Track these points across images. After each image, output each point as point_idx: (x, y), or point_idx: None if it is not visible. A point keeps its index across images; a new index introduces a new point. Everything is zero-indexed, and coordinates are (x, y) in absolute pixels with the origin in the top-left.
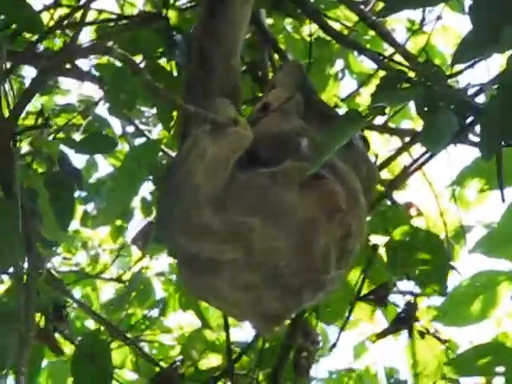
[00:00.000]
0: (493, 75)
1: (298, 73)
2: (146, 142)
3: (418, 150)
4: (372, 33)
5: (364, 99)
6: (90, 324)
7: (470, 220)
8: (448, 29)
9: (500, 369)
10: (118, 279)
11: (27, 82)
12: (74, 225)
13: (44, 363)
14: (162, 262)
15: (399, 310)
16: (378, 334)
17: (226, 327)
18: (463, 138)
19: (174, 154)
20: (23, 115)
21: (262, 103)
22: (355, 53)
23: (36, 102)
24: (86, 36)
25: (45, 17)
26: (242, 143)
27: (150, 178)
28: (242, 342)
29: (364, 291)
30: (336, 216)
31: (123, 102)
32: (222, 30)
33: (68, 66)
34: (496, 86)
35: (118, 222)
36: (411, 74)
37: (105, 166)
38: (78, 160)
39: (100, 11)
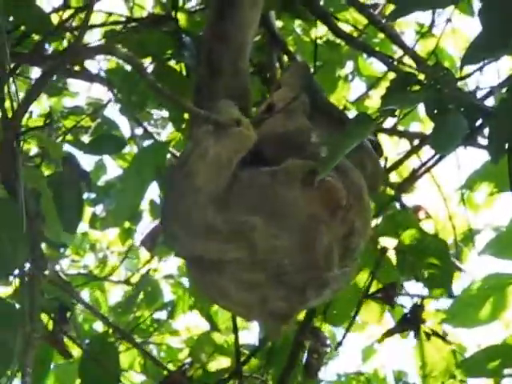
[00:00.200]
0: (502, 78)
1: (304, 73)
2: (154, 144)
3: (426, 152)
4: (381, 35)
5: (373, 102)
6: (98, 326)
7: (478, 223)
8: (457, 31)
9: (509, 371)
10: (127, 281)
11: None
12: (83, 227)
13: (52, 366)
14: (171, 264)
15: (406, 311)
16: (384, 334)
17: (235, 330)
18: (472, 141)
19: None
20: (31, 117)
21: (267, 104)
22: (364, 55)
23: (44, 104)
24: (95, 38)
25: (54, 19)
26: (245, 144)
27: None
28: (251, 344)
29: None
30: (338, 213)
31: (133, 103)
32: (231, 33)
33: (77, 68)
34: (505, 89)
35: (127, 224)
36: (421, 77)
37: (114, 168)
38: (87, 162)
39: (109, 14)
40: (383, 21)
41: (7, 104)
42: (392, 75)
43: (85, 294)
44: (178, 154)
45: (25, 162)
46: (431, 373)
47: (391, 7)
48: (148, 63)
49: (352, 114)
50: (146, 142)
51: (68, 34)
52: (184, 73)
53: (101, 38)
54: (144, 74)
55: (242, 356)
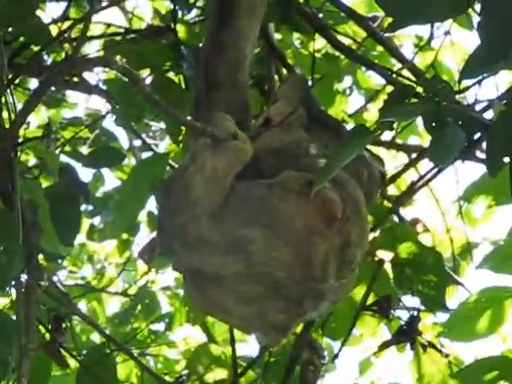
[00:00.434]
0: (501, 91)
1: (302, 85)
2: (153, 156)
3: (425, 166)
4: (380, 48)
5: (372, 115)
6: (96, 338)
7: (476, 237)
8: (456, 45)
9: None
10: (124, 293)
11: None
12: (81, 238)
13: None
14: (168, 276)
15: (402, 323)
16: (381, 346)
17: (232, 342)
18: (470, 155)
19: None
20: (30, 128)
21: (264, 117)
22: (363, 68)
23: (43, 115)
24: (95, 49)
25: (53, 30)
26: (242, 158)
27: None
28: (248, 356)
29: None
30: (334, 225)
31: (131, 115)
32: (229, 44)
33: (75, 79)
34: (504, 103)
35: (125, 236)
36: (419, 90)
37: (112, 179)
38: (85, 174)
39: (108, 25)
40: (382, 33)
41: (5, 115)
42: (391, 88)
43: (82, 305)
44: (176, 166)
45: (23, 173)
46: None
47: (390, 20)
48: (147, 75)
49: (350, 127)
50: (145, 154)
51: (66, 45)
52: (183, 84)
53: (99, 49)
54: (141, 87)
55: (239, 368)
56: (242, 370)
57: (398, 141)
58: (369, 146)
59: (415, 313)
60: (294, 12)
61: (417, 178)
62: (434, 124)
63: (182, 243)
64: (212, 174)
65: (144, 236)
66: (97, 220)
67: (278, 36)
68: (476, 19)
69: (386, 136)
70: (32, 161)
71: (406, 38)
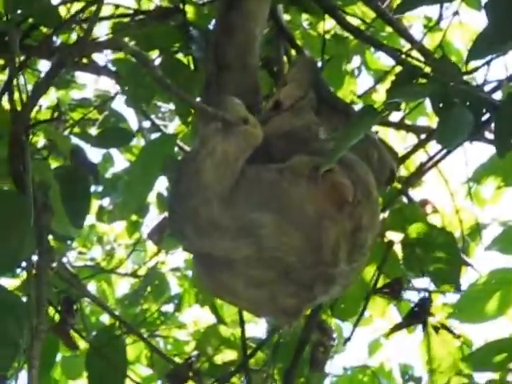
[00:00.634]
0: (510, 72)
1: (311, 68)
2: (161, 137)
3: (434, 147)
4: (389, 29)
5: (380, 96)
6: (105, 319)
7: (485, 218)
8: (465, 25)
9: None
10: (134, 274)
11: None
12: (90, 219)
13: (58, 357)
14: (178, 257)
15: (413, 305)
16: (392, 328)
17: (241, 323)
18: (479, 136)
19: (189, 149)
20: (39, 109)
21: (274, 100)
22: (372, 49)
23: (52, 97)
24: (103, 30)
25: (62, 11)
26: (252, 142)
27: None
28: (257, 337)
29: (379, 287)
30: (345, 209)
31: (140, 96)
32: (239, 26)
33: (84, 60)
34: None
35: (134, 217)
36: (427, 70)
37: (121, 160)
38: (94, 155)
39: (117, 6)
40: (391, 14)
41: (16, 96)
42: (399, 69)
43: (92, 287)
44: (185, 147)
45: (33, 154)
46: (438, 367)
47: (399, 1)
48: (156, 56)
49: (359, 107)
50: (154, 135)
51: (76, 27)
52: (192, 66)
53: (108, 30)
54: (152, 70)
55: (249, 349)
56: (252, 351)
57: (407, 122)
58: (378, 127)
59: (426, 294)
60: None
61: (426, 159)
62: (441, 105)
63: (193, 227)
64: (222, 158)
65: (153, 217)
66: (106, 201)
67: (286, 17)
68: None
69: (395, 117)
70: (41, 142)
71: (415, 20)
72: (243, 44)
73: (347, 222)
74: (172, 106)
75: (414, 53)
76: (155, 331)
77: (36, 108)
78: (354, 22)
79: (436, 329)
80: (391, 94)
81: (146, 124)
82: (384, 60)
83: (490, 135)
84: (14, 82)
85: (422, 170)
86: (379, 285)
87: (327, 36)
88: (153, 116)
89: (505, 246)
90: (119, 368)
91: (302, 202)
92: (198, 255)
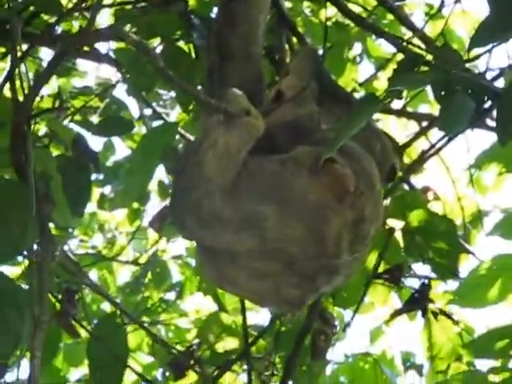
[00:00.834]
0: None
1: (313, 58)
2: (163, 125)
3: (435, 134)
4: (390, 17)
5: (382, 83)
6: (107, 307)
7: (487, 205)
8: (467, 13)
9: None
10: (135, 262)
11: (45, 64)
12: (91, 207)
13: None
14: (179, 244)
15: (413, 291)
16: (392, 314)
17: (243, 311)
18: (480, 123)
19: (191, 137)
20: (40, 97)
21: (276, 91)
22: (373, 37)
23: (54, 85)
24: (105, 18)
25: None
26: (254, 133)
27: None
28: (259, 325)
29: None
30: (347, 200)
31: (141, 84)
32: (242, 15)
33: (86, 48)
34: None
35: (135, 205)
36: (429, 58)
37: (122, 148)
38: (96, 143)
39: None
40: (392, 2)
41: (17, 84)
42: (401, 57)
43: (93, 274)
44: (186, 135)
45: (34, 142)
46: (438, 353)
47: None
48: (157, 44)
49: (360, 95)
50: (155, 123)
51: (77, 15)
52: (193, 54)
53: (110, 17)
54: (153, 60)
55: (250, 337)
56: (253, 339)
57: (409, 109)
58: (379, 115)
59: (426, 281)
60: None
61: (427, 146)
62: (443, 93)
63: (196, 219)
64: (225, 150)
65: (154, 205)
66: (107, 189)
67: (288, 4)
68: None
69: (397, 104)
70: (43, 129)
71: (417, 8)
72: (247, 33)
73: (349, 212)
74: (173, 94)
75: (416, 40)
76: (157, 319)
77: (38, 97)
78: (356, 9)
79: (435, 315)
80: (393, 82)
81: (148, 112)
82: (385, 47)
83: (491, 122)
84: (16, 70)
85: (423, 158)
86: (380, 271)
87: (329, 23)
88: (154, 104)
89: (506, 231)
90: (120, 356)
91: (304, 193)
92: (201, 247)
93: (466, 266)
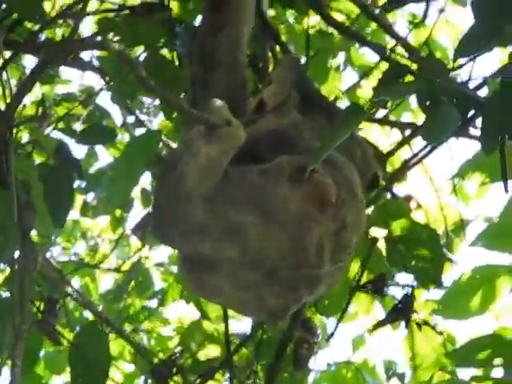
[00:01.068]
0: (496, 68)
1: (295, 67)
2: (146, 132)
3: (418, 143)
4: (374, 26)
5: (365, 92)
6: (89, 314)
7: (469, 214)
8: (450, 22)
9: (498, 361)
10: (117, 269)
11: (28, 72)
12: (74, 215)
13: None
14: (162, 252)
15: (397, 301)
16: (376, 324)
17: (225, 318)
18: (464, 132)
19: (174, 145)
20: (23, 105)
21: (258, 101)
22: (357, 45)
23: (37, 92)
24: (88, 26)
25: (46, 6)
26: (234, 144)
27: (149, 168)
28: (241, 333)
29: (362, 283)
30: (328, 209)
31: (125, 92)
32: (225, 26)
33: (69, 56)
34: (498, 80)
35: (118, 212)
36: (413, 67)
37: (105, 156)
38: (79, 150)
39: (102, 1)
40: (376, 11)
41: (0, 91)
42: (384, 65)
43: (75, 282)
44: (169, 143)
45: (16, 149)
46: (421, 363)
47: None
48: (141, 52)
49: (344, 103)
50: (139, 130)
51: (61, 23)
52: (177, 62)
53: (94, 25)
54: (135, 69)
55: (232, 345)
56: (235, 347)
57: (392, 118)
58: (362, 124)
59: (410, 291)
60: None
61: (410, 155)
62: (427, 102)
63: (177, 229)
64: (206, 160)
65: (137, 212)
66: (90, 196)
67: (271, 13)
68: None
69: (380, 113)
70: (25, 136)
71: (400, 17)
72: (231, 42)
73: (331, 222)
74: (156, 102)
75: (399, 49)
76: (139, 326)
77: (21, 105)
78: (339, 17)
79: (418, 325)
80: (378, 92)
81: (131, 119)
82: (369, 56)
83: (474, 131)
84: None
85: (406, 166)
86: (363, 281)
87: (312, 31)
88: (137, 111)
89: (489, 241)
90: (102, 364)
91: (286, 203)
92: (183, 256)
93: (449, 275)
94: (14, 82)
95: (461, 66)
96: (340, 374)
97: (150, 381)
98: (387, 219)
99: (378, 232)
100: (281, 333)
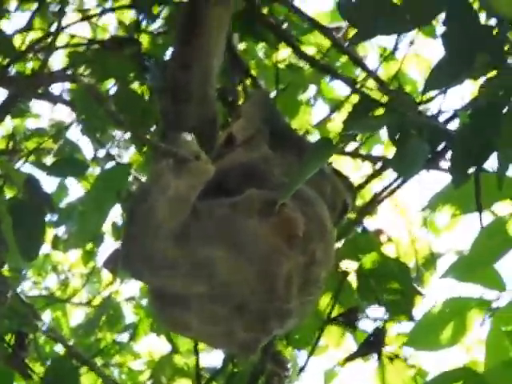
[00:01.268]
0: (467, 100)
1: (264, 102)
2: (115, 167)
3: (389, 176)
4: (344, 59)
5: (336, 125)
6: (60, 348)
7: (441, 247)
8: (420, 55)
9: None
10: (88, 304)
11: None
12: (45, 249)
13: None
14: (132, 286)
15: (368, 335)
16: (347, 358)
17: (196, 352)
18: (435, 165)
19: (144, 179)
20: None
21: (227, 135)
22: (327, 79)
23: (7, 125)
24: (59, 59)
25: (17, 40)
26: (203, 178)
27: (120, 202)
28: (212, 367)
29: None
30: (296, 243)
31: (95, 126)
32: (195, 61)
33: (40, 90)
34: (468, 113)
35: (89, 246)
36: (383, 100)
37: (76, 189)
38: (49, 183)
39: (72, 35)
40: (346, 44)
41: None
42: (355, 98)
43: (46, 316)
44: (140, 177)
45: None
46: None
47: (354, 30)
48: (111, 85)
49: (314, 137)
50: (109, 164)
51: (31, 56)
52: (147, 96)
53: (64, 59)
54: (104, 104)
55: (203, 379)
56: (206, 380)
57: (363, 151)
58: (333, 157)
59: (381, 325)
60: (258, 23)
61: (381, 188)
62: (397, 135)
63: (146, 265)
64: (174, 195)
65: (108, 246)
66: (61, 230)
67: (241, 46)
68: (440, 29)
69: (351, 146)
70: None
71: (370, 50)
72: (201, 76)
73: (300, 256)
74: (127, 135)
75: (370, 82)
76: (110, 360)
77: None
78: (310, 51)
79: (390, 358)
80: (348, 126)
81: (101, 153)
82: (339, 89)
83: (445, 164)
84: None
85: (377, 200)
86: (334, 314)
87: (283, 65)
88: (108, 145)
89: (460, 273)
90: None
91: (254, 237)
92: (152, 292)
93: (419, 308)
94: None
95: (432, 99)
96: None
97: None
98: (357, 253)
99: (349, 265)
100: (252, 366)
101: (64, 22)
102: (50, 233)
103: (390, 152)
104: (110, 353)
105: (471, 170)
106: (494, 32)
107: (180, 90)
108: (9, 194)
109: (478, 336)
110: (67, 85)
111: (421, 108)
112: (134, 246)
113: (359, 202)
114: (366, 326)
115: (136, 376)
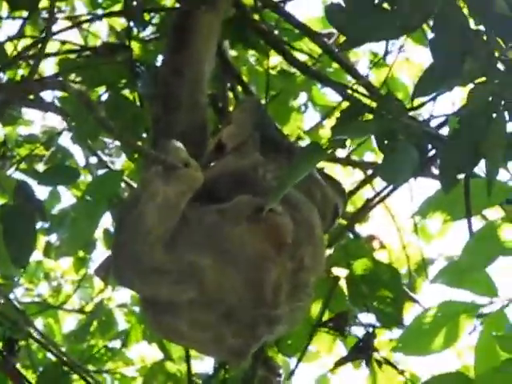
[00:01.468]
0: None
1: (255, 109)
2: (107, 173)
3: (380, 182)
4: (336, 65)
5: (327, 132)
6: (53, 355)
7: (432, 253)
8: (411, 60)
9: None
10: (81, 310)
11: None
12: (37, 256)
13: None
14: (124, 293)
15: (358, 340)
16: (337, 362)
17: (188, 359)
18: (425, 171)
19: (136, 186)
20: None
21: (217, 141)
22: (319, 85)
23: None
24: (50, 66)
25: (8, 47)
26: (192, 185)
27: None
28: (204, 373)
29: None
30: (284, 249)
31: (86, 133)
32: (186, 68)
33: (31, 97)
34: (457, 119)
35: (81, 253)
36: (374, 105)
37: (68, 196)
38: (41, 191)
39: (63, 42)
40: (337, 50)
41: None
42: (346, 105)
43: (39, 323)
44: (132, 183)
45: None
46: None
47: (345, 37)
48: (103, 92)
49: (305, 144)
50: (101, 171)
51: (23, 63)
52: (138, 102)
53: (55, 66)
54: (95, 111)
55: None
56: None
57: (354, 157)
58: (324, 164)
59: (371, 330)
60: (249, 29)
61: (372, 194)
62: (385, 142)
63: (136, 272)
64: (164, 202)
65: (100, 253)
66: (54, 237)
67: (233, 53)
68: (429, 35)
69: (342, 153)
70: None
71: (362, 56)
72: (192, 83)
73: (288, 262)
74: (118, 142)
75: (361, 88)
76: (102, 367)
77: None
78: (301, 57)
79: (379, 363)
80: (336, 131)
81: (93, 160)
82: (331, 96)
83: (435, 170)
84: None
85: (368, 206)
86: (325, 320)
87: (274, 72)
88: (100, 152)
89: (450, 278)
90: None
91: (243, 244)
92: (143, 299)
93: (411, 314)
94: None
95: (422, 105)
96: None
97: None
98: (348, 259)
99: (340, 271)
100: (243, 372)
101: (55, 29)
102: (42, 240)
103: (381, 159)
104: (103, 359)
105: (461, 176)
106: (483, 37)
107: (171, 97)
108: (0, 200)
109: (470, 341)
110: (58, 92)
111: (412, 114)
112: (124, 253)
113: (351, 209)
114: (357, 331)
115: (128, 382)
